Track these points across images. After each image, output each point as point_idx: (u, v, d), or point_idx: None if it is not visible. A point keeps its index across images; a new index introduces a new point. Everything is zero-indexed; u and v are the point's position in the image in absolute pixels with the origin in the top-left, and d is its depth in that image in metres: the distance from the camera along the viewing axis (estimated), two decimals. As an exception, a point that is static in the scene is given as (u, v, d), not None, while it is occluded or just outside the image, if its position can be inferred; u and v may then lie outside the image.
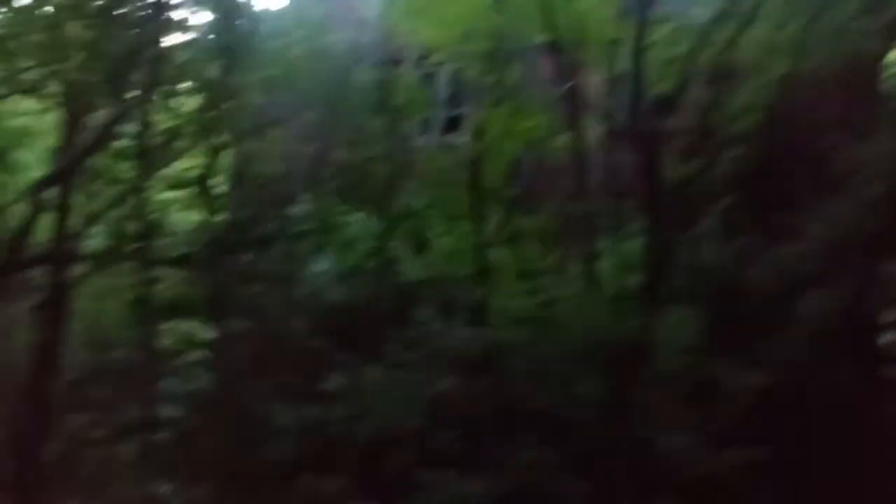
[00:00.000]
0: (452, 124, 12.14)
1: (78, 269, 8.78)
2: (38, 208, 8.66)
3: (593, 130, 9.27)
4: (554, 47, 9.16)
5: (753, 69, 8.10)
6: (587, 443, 6.75)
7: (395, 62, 12.87)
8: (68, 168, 8.75)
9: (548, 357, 7.37)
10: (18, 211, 9.03)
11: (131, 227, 8.48)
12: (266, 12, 10.41)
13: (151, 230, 8.26)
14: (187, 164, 9.72)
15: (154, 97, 9.05)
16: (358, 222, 9.59)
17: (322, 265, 9.48)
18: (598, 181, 9.06)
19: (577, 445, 6.73)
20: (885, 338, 8.50)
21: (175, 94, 9.53)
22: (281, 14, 11.10)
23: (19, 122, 10.22)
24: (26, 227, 8.67)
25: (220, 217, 9.49)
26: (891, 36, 7.29)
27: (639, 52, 8.03)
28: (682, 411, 6.64)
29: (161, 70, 8.81)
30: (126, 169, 9.05)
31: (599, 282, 8.06)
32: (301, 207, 9.70)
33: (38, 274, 8.87)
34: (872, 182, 6.79)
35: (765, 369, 6.66)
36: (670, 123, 8.44)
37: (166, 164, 9.39)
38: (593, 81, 9.66)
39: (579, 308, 7.64)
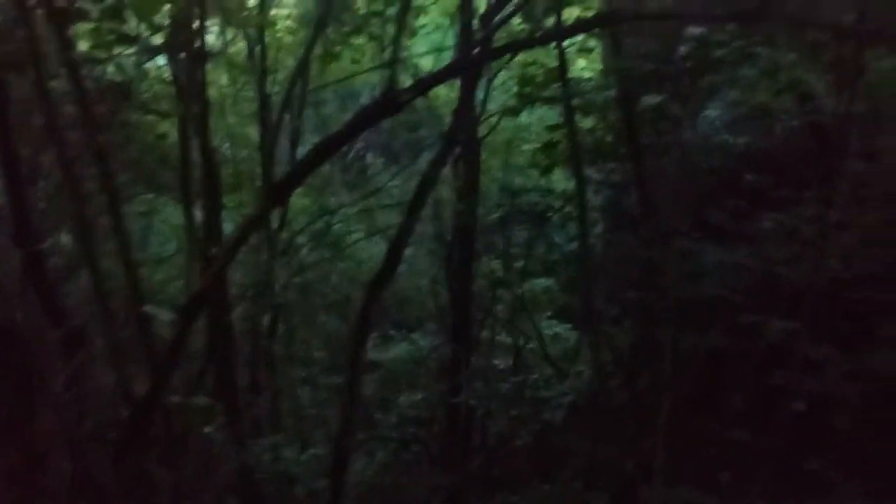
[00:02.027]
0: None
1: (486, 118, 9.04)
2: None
3: None
4: None
5: None
6: None
7: None
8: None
9: None
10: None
11: (538, 75, 8.28)
12: None
13: (562, 75, 7.96)
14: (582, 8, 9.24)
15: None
16: (771, 53, 8.33)
17: (728, 103, 8.53)
18: None
19: None
20: None
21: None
22: None
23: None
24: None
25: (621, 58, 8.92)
26: None
27: None
28: None
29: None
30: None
31: None
32: (703, 40, 8.68)
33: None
34: None
35: None
36: None
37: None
38: None
39: None
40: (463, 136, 9.07)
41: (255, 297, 9.36)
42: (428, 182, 8.22)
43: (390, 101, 6.14)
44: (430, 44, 10.50)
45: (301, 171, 6.82)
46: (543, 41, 7.93)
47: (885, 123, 7.54)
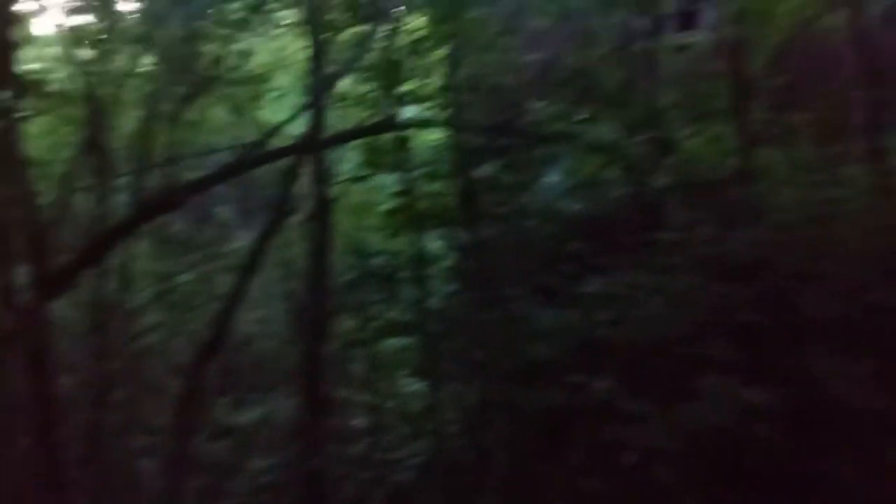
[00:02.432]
0: (688, 20, 11.09)
1: (337, 185, 9.16)
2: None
3: (874, 5, 7.95)
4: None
5: None
6: (890, 355, 5.94)
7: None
8: (320, 93, 8.95)
9: (832, 262, 6.53)
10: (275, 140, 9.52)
11: (383, 143, 8.56)
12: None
13: (401, 146, 8.27)
14: (424, 79, 9.65)
15: (392, 17, 9.00)
16: (597, 127, 9.06)
17: (563, 173, 9.15)
18: (880, 65, 7.81)
19: (879, 357, 5.95)
20: None
21: (410, 9, 9.45)
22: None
23: (267, 54, 10.63)
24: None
25: (460, 129, 9.37)
26: None
27: None
28: None
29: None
30: (371, 88, 9.14)
31: (888, 180, 7.00)
32: (537, 114, 9.32)
33: (303, 190, 9.30)
34: None
35: None
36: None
37: (405, 81, 9.38)
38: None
39: (867, 208, 6.67)
40: (314, 197, 9.16)
41: (88, 363, 8.83)
42: (258, 248, 8.24)
43: (167, 201, 6.32)
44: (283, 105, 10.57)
45: (77, 264, 6.67)
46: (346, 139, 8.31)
47: (698, 194, 8.36)
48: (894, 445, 5.89)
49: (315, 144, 8.15)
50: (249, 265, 8.18)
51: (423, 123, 8.65)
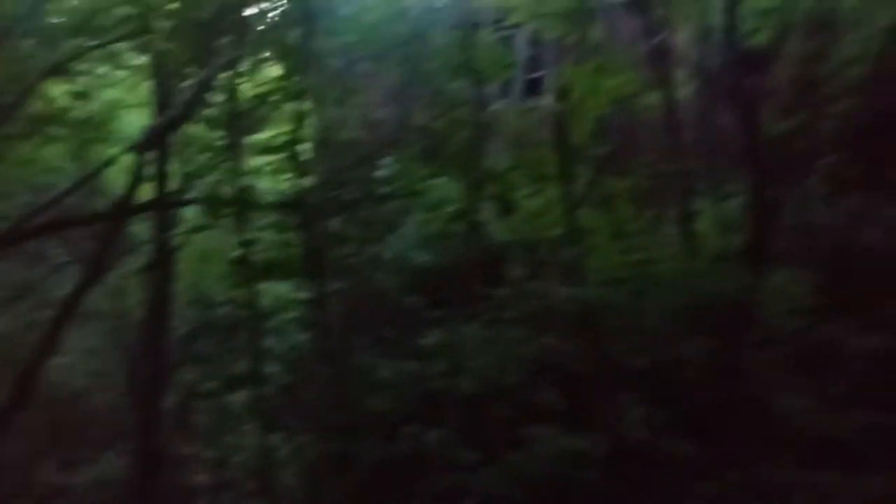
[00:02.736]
0: (532, 87, 11.85)
1: (179, 232, 8.89)
2: (136, 176, 8.76)
3: (683, 86, 8.89)
4: (639, 4, 8.75)
5: (856, 20, 7.62)
6: (694, 404, 6.52)
7: (475, 24, 12.55)
8: (160, 136, 8.77)
9: (647, 317, 7.12)
10: (117, 179, 9.19)
11: (226, 192, 8.46)
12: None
13: (245, 195, 8.22)
14: (274, 130, 9.67)
15: (239, 65, 9.00)
16: (443, 185, 9.43)
17: (409, 228, 9.41)
18: (690, 139, 8.72)
19: (683, 406, 6.51)
20: None
21: (260, 61, 9.47)
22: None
23: (112, 94, 10.28)
24: (127, 194, 8.79)
25: (308, 181, 9.42)
26: None
27: (732, 3, 7.53)
28: (794, 374, 6.35)
29: (245, 38, 8.73)
30: (216, 136, 9.04)
31: (697, 242, 7.76)
32: (386, 171, 9.57)
33: (143, 236, 8.98)
34: None
35: (883, 332, 6.31)
36: (767, 77, 8.01)
37: (254, 131, 9.37)
38: (681, 37, 9.24)
39: (678, 268, 7.35)
40: (155, 244, 8.88)
41: None
42: (66, 307, 7.90)
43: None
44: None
45: None
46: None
47: (535, 253, 8.86)
48: (697, 488, 6.39)
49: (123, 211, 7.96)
50: (63, 315, 7.76)
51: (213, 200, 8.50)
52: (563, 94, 8.59)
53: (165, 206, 8.27)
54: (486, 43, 10.19)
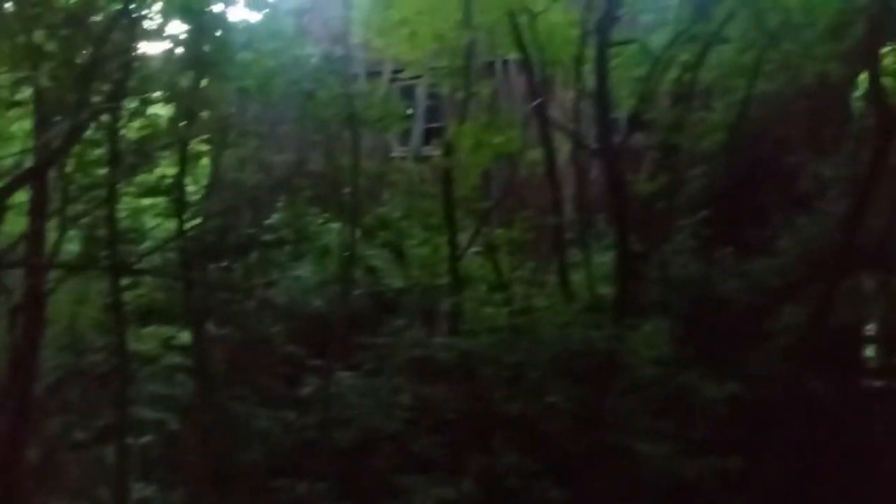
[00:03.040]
0: (431, 136, 12.15)
1: (52, 275, 8.48)
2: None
3: (565, 145, 9.33)
4: (526, 64, 9.18)
5: (719, 89, 8.26)
6: (563, 450, 6.70)
7: (374, 74, 12.83)
8: (37, 173, 8.43)
9: (522, 366, 7.31)
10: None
11: (104, 234, 8.18)
12: (241, 23, 10.20)
13: (125, 236, 8.00)
14: (162, 172, 9.48)
15: (123, 105, 8.82)
16: (333, 231, 9.46)
17: (298, 273, 9.36)
18: (570, 194, 9.13)
19: (554, 453, 6.68)
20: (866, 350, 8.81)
21: (147, 102, 9.31)
22: (256, 26, 10.92)
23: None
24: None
25: (195, 225, 9.25)
26: (857, 59, 7.43)
27: (602, 71, 7.96)
28: (656, 420, 6.64)
29: (131, 78, 8.58)
30: (98, 176, 8.79)
31: (572, 293, 8.07)
32: (276, 216, 9.52)
33: (12, 278, 8.53)
34: (838, 200, 6.89)
35: (739, 380, 6.71)
36: (640, 140, 8.54)
37: (139, 172, 9.14)
38: (565, 98, 9.74)
39: (553, 318, 7.62)
40: (24, 287, 8.42)
41: None
42: None
43: None
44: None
45: None
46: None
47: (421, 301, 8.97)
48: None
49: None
50: None
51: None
52: (448, 149, 8.86)
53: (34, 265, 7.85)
54: (381, 93, 10.44)
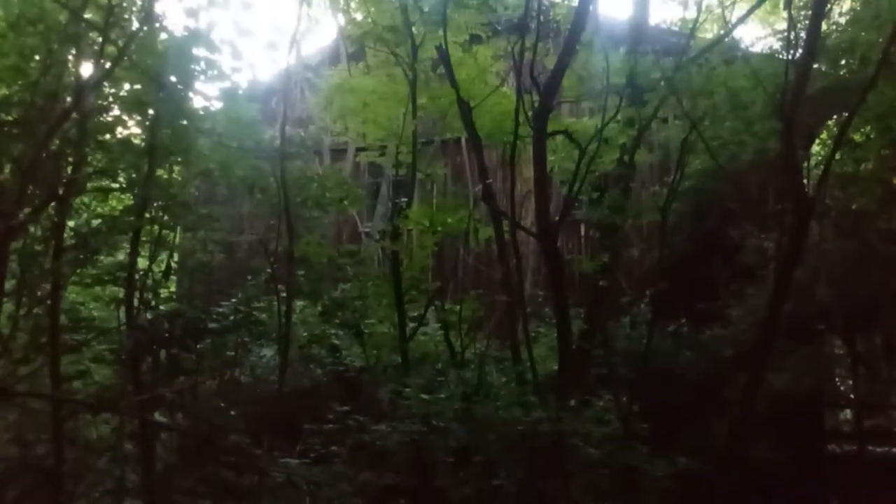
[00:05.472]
0: (400, 210, 12.26)
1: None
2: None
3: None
4: (475, 145, 9.34)
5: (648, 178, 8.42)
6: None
7: (339, 152, 13.03)
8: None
9: (468, 449, 7.17)
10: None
11: (52, 322, 8.11)
12: (203, 110, 10.39)
13: (74, 324, 7.94)
14: (120, 258, 9.45)
15: (75, 193, 8.82)
16: (297, 311, 9.41)
17: (263, 353, 9.32)
18: (525, 270, 9.15)
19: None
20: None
21: (104, 189, 9.34)
22: (217, 112, 11.15)
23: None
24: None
25: (154, 310, 9.19)
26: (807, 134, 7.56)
27: (539, 157, 7.97)
28: (603, 501, 6.48)
29: (84, 166, 8.62)
30: (49, 263, 8.76)
31: (524, 371, 7.99)
32: (234, 299, 9.48)
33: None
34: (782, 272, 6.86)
35: (692, 454, 6.62)
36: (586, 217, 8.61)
37: (94, 259, 9.10)
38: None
39: (501, 397, 7.51)
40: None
41: None
42: None
43: None
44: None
45: None
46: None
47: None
48: None
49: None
50: None
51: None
52: (395, 231, 8.94)
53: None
54: (339, 175, 10.58)
